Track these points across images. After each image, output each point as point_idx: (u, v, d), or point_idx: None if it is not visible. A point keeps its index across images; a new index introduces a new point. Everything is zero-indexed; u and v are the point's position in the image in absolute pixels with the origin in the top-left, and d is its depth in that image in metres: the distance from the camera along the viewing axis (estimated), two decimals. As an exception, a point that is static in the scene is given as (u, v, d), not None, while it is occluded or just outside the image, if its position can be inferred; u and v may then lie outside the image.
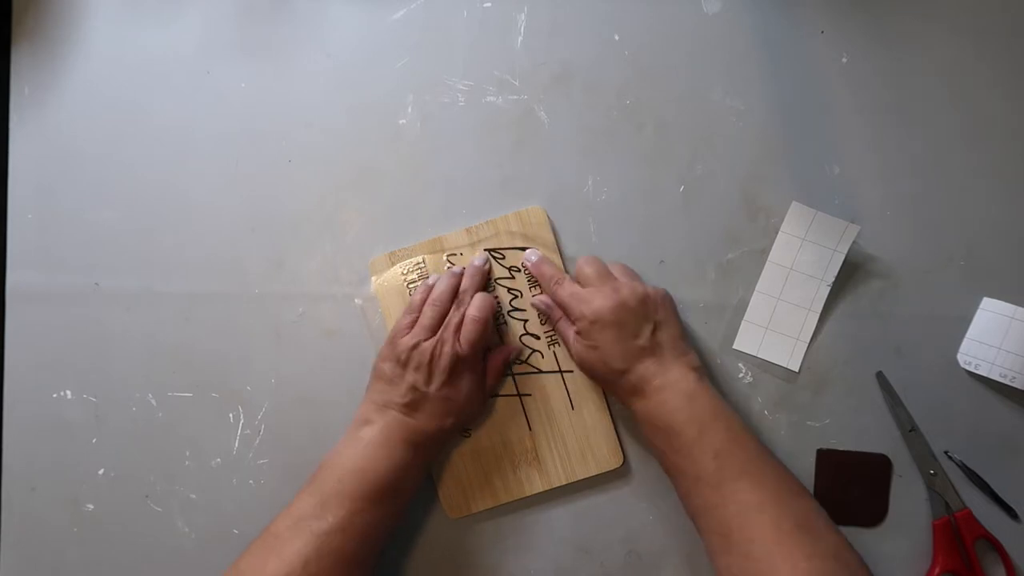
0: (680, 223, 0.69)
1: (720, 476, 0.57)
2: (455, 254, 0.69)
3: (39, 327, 0.70)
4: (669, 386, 0.60)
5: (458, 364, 0.63)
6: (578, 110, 0.70)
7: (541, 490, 0.67)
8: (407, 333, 0.64)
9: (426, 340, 0.63)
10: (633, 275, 0.66)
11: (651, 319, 0.62)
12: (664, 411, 0.60)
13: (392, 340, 0.65)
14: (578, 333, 0.63)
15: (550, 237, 0.68)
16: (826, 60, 0.69)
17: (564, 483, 0.67)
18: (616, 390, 0.63)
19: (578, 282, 0.65)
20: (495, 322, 0.68)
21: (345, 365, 0.69)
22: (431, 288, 0.66)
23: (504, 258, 0.68)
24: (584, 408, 0.67)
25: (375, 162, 0.70)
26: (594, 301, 0.62)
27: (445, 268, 0.68)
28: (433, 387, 0.62)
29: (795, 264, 0.68)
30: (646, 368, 0.61)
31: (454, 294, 0.66)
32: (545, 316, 0.68)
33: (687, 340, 0.64)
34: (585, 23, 0.70)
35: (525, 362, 0.68)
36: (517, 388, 0.68)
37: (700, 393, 0.60)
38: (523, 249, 0.68)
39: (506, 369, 0.68)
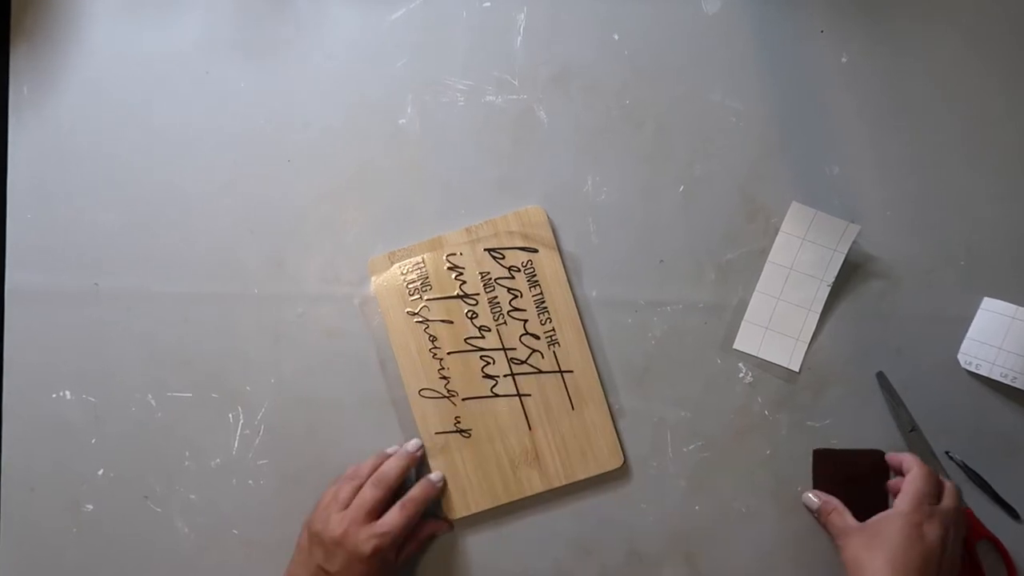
0: (680, 223, 0.69)
1: None
2: (454, 253, 0.69)
3: (38, 327, 0.70)
4: None
5: (363, 550, 0.60)
6: (577, 110, 0.70)
7: (541, 490, 0.67)
8: (327, 503, 0.63)
9: (335, 514, 0.62)
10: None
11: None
12: None
13: (316, 507, 0.64)
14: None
15: (550, 237, 0.68)
16: (826, 60, 0.69)
17: (564, 483, 0.67)
18: None
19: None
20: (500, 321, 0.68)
21: (345, 365, 0.69)
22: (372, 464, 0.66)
23: (504, 258, 0.68)
24: (584, 408, 0.67)
25: (375, 162, 0.70)
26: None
27: (445, 268, 0.68)
28: (335, 568, 0.61)
29: (795, 264, 0.67)
30: None
31: (373, 472, 0.65)
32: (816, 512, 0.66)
33: None
34: (585, 23, 0.70)
35: (525, 362, 0.68)
36: (517, 388, 0.68)
37: None
38: (523, 249, 0.68)
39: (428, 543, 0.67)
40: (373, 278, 0.69)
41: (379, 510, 0.63)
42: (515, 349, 0.68)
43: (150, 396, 0.69)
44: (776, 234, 0.68)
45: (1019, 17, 0.69)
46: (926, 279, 0.68)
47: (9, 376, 0.70)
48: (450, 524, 0.67)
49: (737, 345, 0.68)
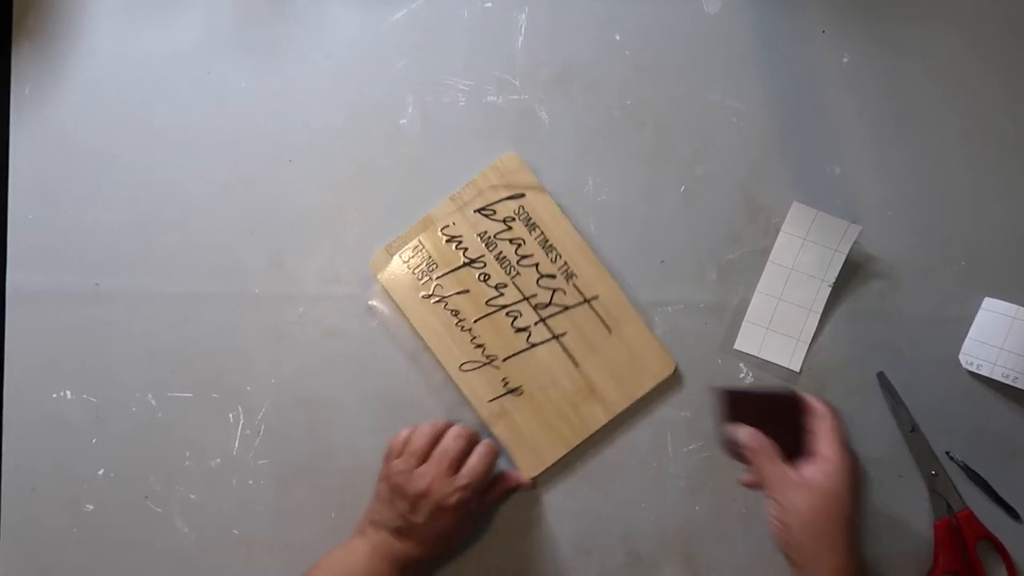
0: (681, 223, 0.69)
1: None
2: (447, 225, 0.68)
3: (39, 327, 0.70)
4: None
5: (448, 502, 0.62)
6: (578, 110, 0.70)
7: (606, 421, 0.67)
8: (400, 454, 0.64)
9: (417, 468, 0.63)
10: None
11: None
12: None
13: (387, 458, 0.65)
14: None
15: (531, 178, 0.68)
16: (826, 60, 0.69)
17: (627, 406, 0.67)
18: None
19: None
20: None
21: (345, 365, 0.69)
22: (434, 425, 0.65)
23: (495, 213, 0.68)
24: (622, 328, 0.67)
25: (375, 162, 0.70)
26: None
27: (443, 242, 0.68)
28: (421, 519, 0.62)
29: (796, 264, 0.67)
30: None
31: (447, 428, 0.65)
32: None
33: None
34: (585, 23, 0.70)
35: (550, 304, 0.68)
36: (551, 331, 0.68)
37: None
38: (510, 199, 0.68)
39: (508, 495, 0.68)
40: (379, 276, 0.69)
41: (460, 461, 0.64)
42: (536, 295, 0.68)
43: (150, 396, 0.69)
44: (777, 234, 0.68)
45: (1019, 17, 0.69)
46: (927, 279, 0.68)
47: (9, 376, 0.70)
48: (532, 482, 0.67)
49: (738, 345, 0.68)
